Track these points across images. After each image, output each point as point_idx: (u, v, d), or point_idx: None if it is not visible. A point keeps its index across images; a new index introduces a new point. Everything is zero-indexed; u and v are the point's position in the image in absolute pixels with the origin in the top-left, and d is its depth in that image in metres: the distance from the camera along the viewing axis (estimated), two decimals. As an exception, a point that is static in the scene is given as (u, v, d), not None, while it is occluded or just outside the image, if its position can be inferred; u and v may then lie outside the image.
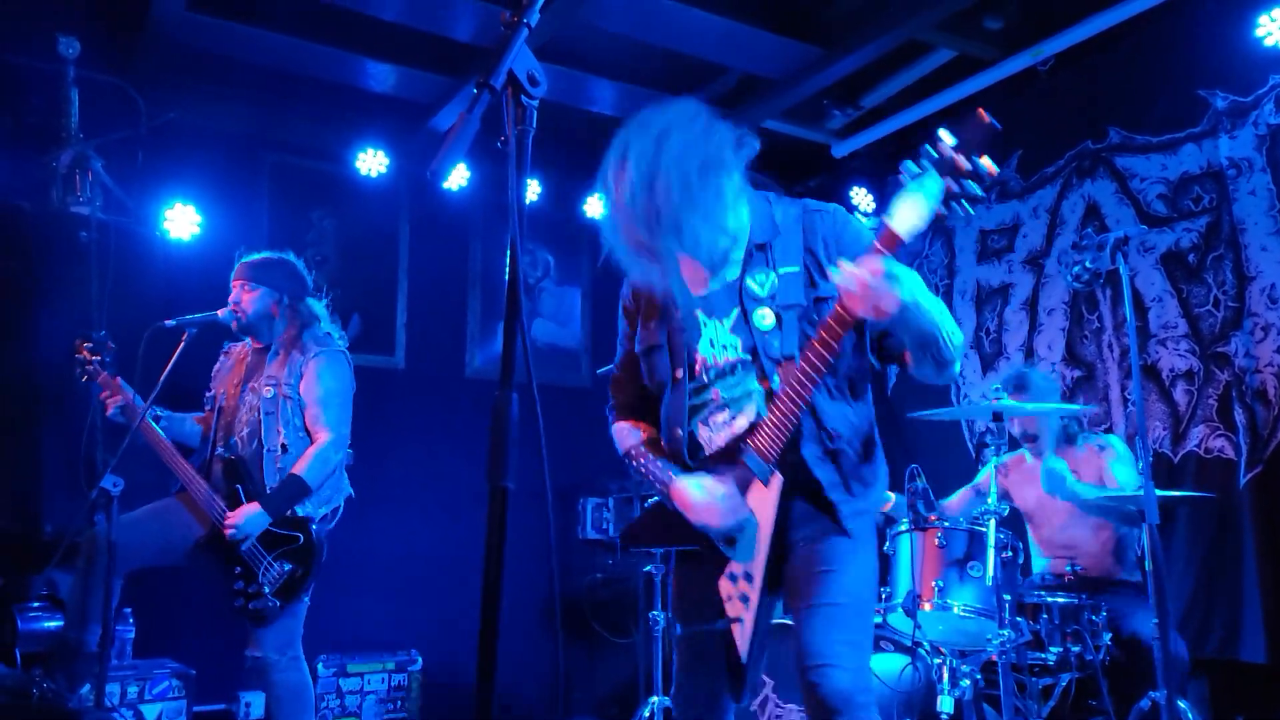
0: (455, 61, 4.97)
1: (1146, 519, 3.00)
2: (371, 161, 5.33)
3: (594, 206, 5.62)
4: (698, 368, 2.22)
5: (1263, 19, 4.03)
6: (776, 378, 2.09)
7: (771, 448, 2.06)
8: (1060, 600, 3.42)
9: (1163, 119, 4.50)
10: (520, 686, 5.40)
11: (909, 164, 1.84)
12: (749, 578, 2.13)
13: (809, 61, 4.89)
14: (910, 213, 1.81)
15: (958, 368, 2.14)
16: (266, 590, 3.40)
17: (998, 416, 3.27)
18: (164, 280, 4.72)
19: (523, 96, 1.55)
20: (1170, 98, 4.46)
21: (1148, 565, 3.03)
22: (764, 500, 2.11)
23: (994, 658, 3.20)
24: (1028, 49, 4.76)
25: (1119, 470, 3.81)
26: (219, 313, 3.65)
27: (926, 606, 3.23)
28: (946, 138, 1.80)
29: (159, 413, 3.65)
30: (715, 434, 2.22)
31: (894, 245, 1.83)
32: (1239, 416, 4.13)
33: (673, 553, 2.37)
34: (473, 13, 4.51)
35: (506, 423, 1.49)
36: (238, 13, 4.57)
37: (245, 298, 3.66)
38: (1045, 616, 3.42)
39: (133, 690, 4.12)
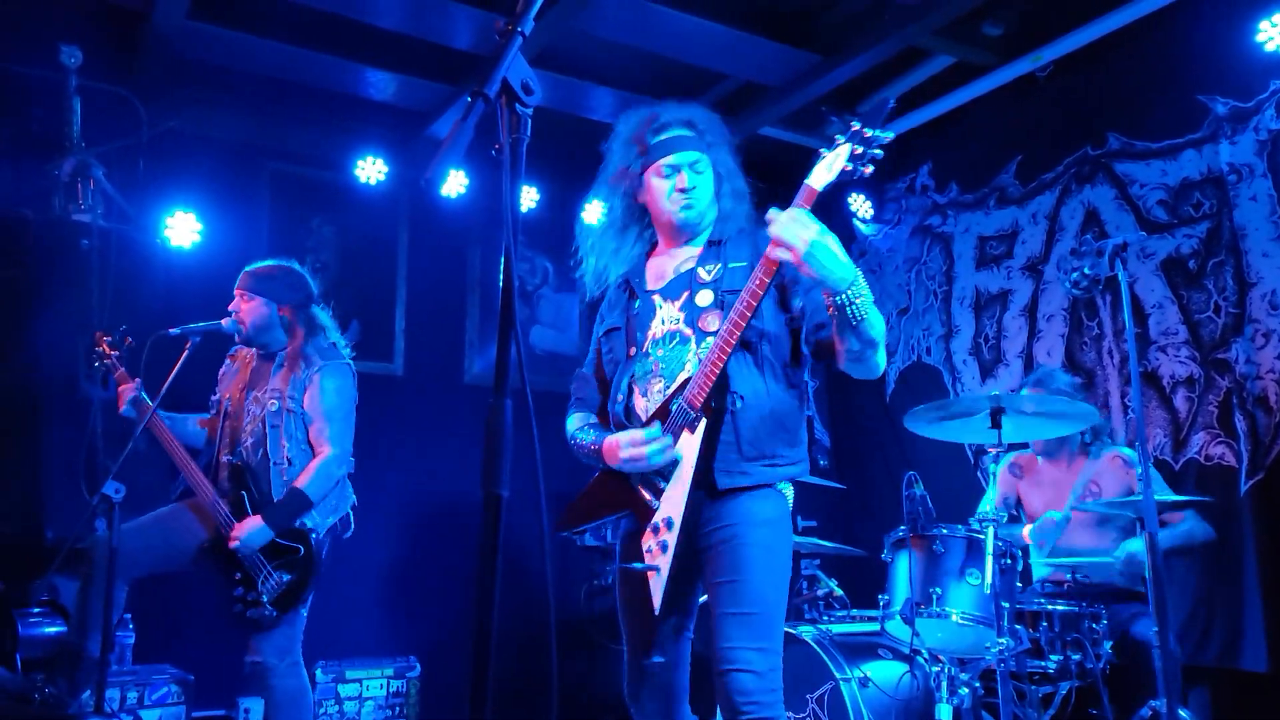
0: (454, 70, 4.99)
1: (1145, 527, 3.00)
2: (370, 169, 5.34)
3: (592, 212, 5.61)
4: (646, 343, 2.49)
5: (1263, 24, 4.03)
6: (708, 347, 2.32)
7: (699, 396, 2.27)
8: (1060, 608, 3.41)
9: (1163, 125, 4.50)
10: (516, 694, 5.38)
11: (824, 146, 2.23)
12: (669, 524, 2.29)
13: (807, 68, 4.90)
14: (824, 171, 2.20)
15: (881, 358, 2.30)
16: (264, 599, 3.41)
17: (996, 421, 3.26)
18: (165, 288, 4.73)
19: (517, 105, 1.55)
20: (1170, 103, 4.46)
21: (1147, 573, 3.02)
22: (689, 444, 2.30)
23: (993, 666, 3.19)
24: (1027, 55, 4.77)
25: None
26: (223, 322, 3.65)
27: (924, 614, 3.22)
28: (854, 117, 2.20)
29: (162, 415, 3.66)
30: (650, 401, 2.43)
31: (811, 197, 2.19)
32: (1240, 423, 4.12)
33: (615, 570, 2.52)
34: (471, 21, 4.52)
35: (501, 430, 1.49)
36: (238, 22, 4.60)
37: (244, 308, 3.66)
38: (1045, 624, 3.40)
39: (132, 695, 4.11)
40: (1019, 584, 3.43)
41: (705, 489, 2.31)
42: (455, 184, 5.51)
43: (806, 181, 2.21)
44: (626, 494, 2.43)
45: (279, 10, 4.54)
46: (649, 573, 2.31)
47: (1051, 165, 4.99)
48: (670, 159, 2.49)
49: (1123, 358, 4.57)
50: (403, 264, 5.70)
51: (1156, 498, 3.07)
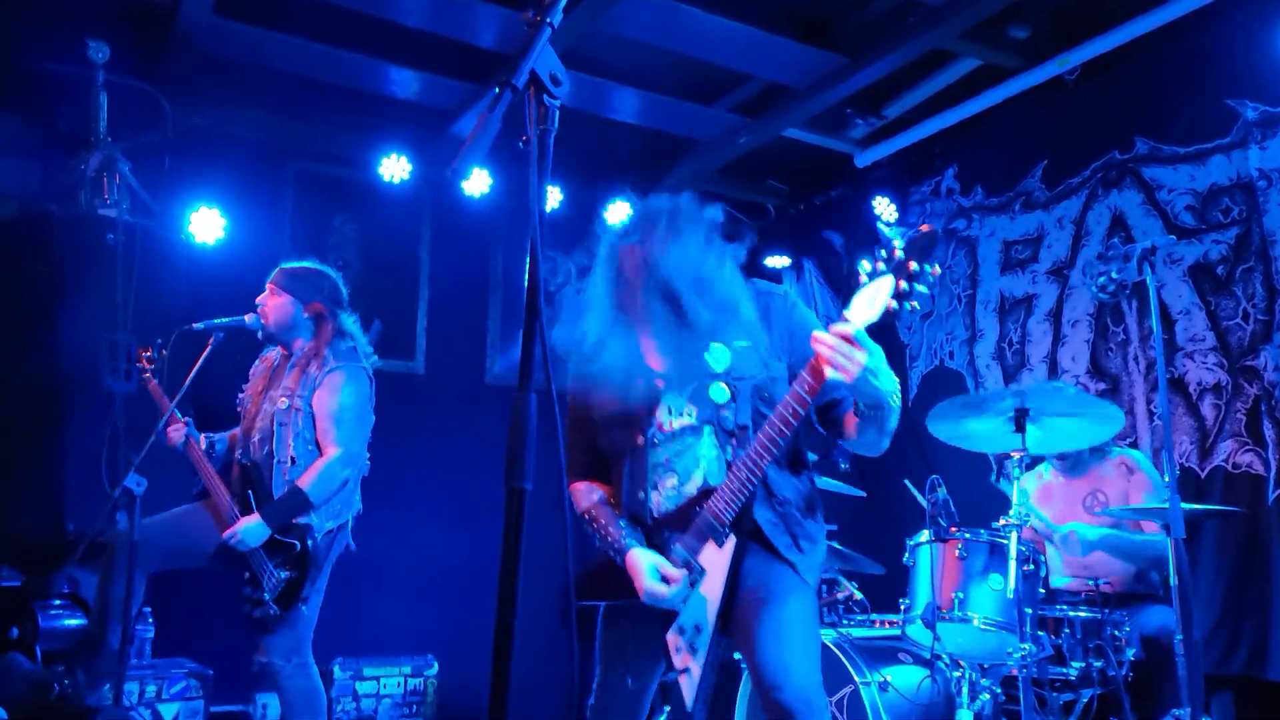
0: (479, 68, 4.99)
1: (1172, 534, 2.96)
2: (394, 167, 5.35)
3: (616, 213, 5.60)
4: (654, 434, 2.39)
5: (1293, 28, 3.98)
6: (729, 448, 2.30)
7: (726, 511, 2.23)
8: (1083, 614, 3.37)
9: (1191, 129, 4.45)
10: (536, 692, 5.35)
11: (864, 264, 2.07)
12: (699, 630, 2.28)
13: (832, 70, 4.87)
14: (865, 307, 2.04)
15: (888, 442, 2.34)
16: (268, 598, 3.41)
17: (1020, 425, 3.23)
18: (188, 283, 4.75)
19: (545, 96, 1.54)
20: (1198, 108, 4.40)
21: (1173, 581, 2.98)
22: (718, 559, 2.26)
23: (1014, 672, 3.15)
24: (1053, 58, 4.73)
25: (1150, 503, 3.70)
26: (246, 317, 3.66)
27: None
28: (898, 243, 2.04)
29: (212, 438, 3.71)
30: (665, 498, 2.37)
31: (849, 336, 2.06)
32: (1268, 431, 4.06)
33: (602, 607, 2.50)
34: (496, 19, 4.52)
35: (525, 425, 1.48)
36: (263, 19, 4.62)
37: (271, 303, 3.67)
38: (1067, 631, 3.36)
39: (150, 689, 4.14)
40: (1041, 590, 3.39)
41: (768, 568, 2.31)
42: (479, 183, 5.52)
43: (848, 314, 2.06)
44: None
45: (304, 8, 4.55)
46: (681, 676, 2.29)
47: (1078, 170, 4.94)
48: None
49: (1149, 364, 4.52)
50: (425, 263, 5.72)
51: (1184, 506, 3.03)
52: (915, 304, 2.03)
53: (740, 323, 2.37)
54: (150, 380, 3.73)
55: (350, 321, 3.77)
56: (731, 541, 2.24)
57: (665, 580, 2.27)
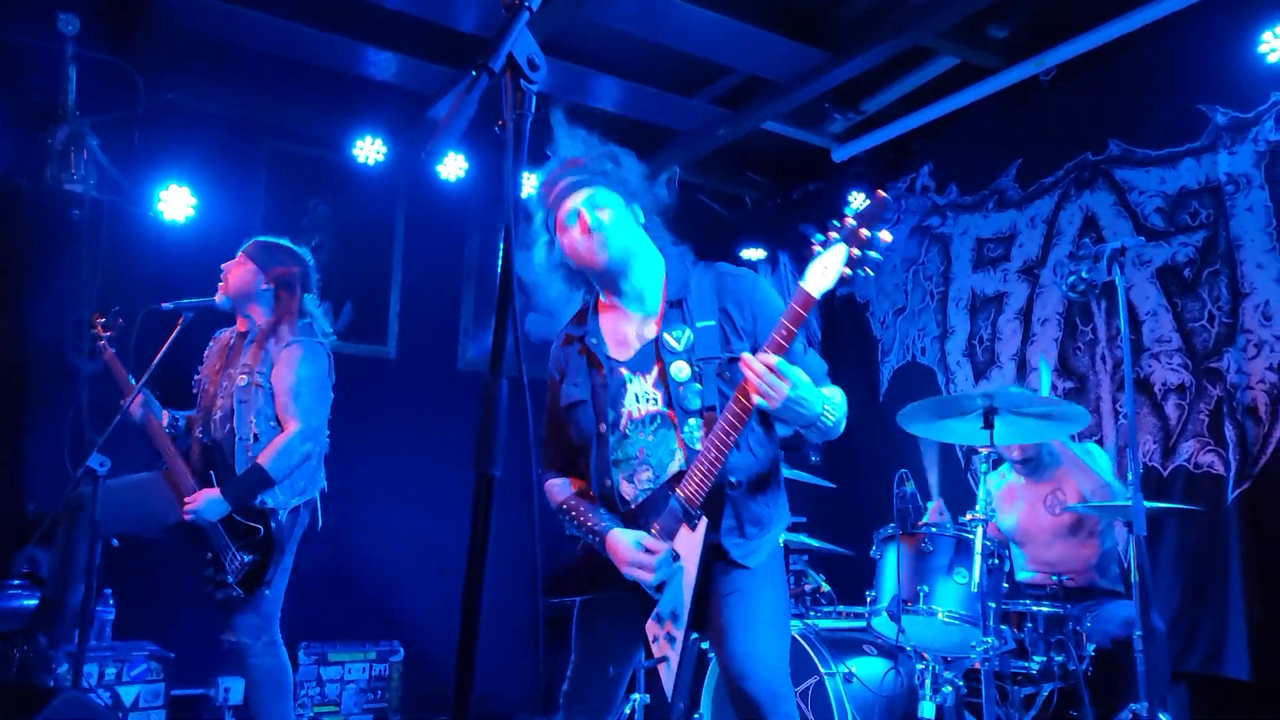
0: (457, 52, 4.95)
1: (1134, 531, 3.00)
2: (369, 150, 5.31)
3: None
4: (623, 423, 2.37)
5: (1265, 35, 4.03)
6: (695, 428, 2.30)
7: (697, 494, 2.24)
8: (1045, 609, 3.41)
9: (1163, 133, 4.50)
10: (501, 680, 5.36)
11: (818, 235, 2.14)
12: (675, 617, 2.28)
13: (813, 65, 4.88)
14: (820, 275, 2.11)
15: (842, 427, 2.34)
16: (230, 580, 3.39)
17: (989, 422, 3.26)
18: (157, 261, 4.70)
19: (522, 81, 1.52)
20: (1171, 112, 4.45)
21: (1133, 578, 3.02)
22: (690, 542, 2.27)
23: (977, 665, 3.19)
24: (1031, 59, 4.76)
25: (1098, 469, 3.78)
26: (216, 298, 3.62)
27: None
28: (850, 214, 2.12)
29: (176, 414, 3.67)
30: (640, 490, 2.37)
31: (808, 304, 2.12)
32: (1229, 432, 4.13)
33: (578, 601, 2.50)
34: (476, 3, 4.49)
35: (496, 410, 1.47)
36: (240, -5, 4.55)
37: (233, 271, 3.63)
38: (1030, 625, 3.41)
39: (110, 672, 4.09)
40: (1005, 585, 3.43)
41: (714, 565, 2.31)
42: (454, 168, 5.48)
43: (803, 285, 2.13)
44: (622, 577, 2.35)
45: (281, -15, 4.51)
46: (659, 665, 2.30)
47: (1051, 170, 4.99)
48: (566, 206, 2.36)
49: (1116, 363, 4.57)
50: (399, 247, 5.68)
51: (1146, 504, 3.07)
52: (869, 270, 2.09)
53: (700, 301, 2.37)
54: (107, 349, 3.65)
55: (313, 304, 3.73)
56: (703, 524, 2.25)
57: (649, 551, 2.27)
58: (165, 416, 3.62)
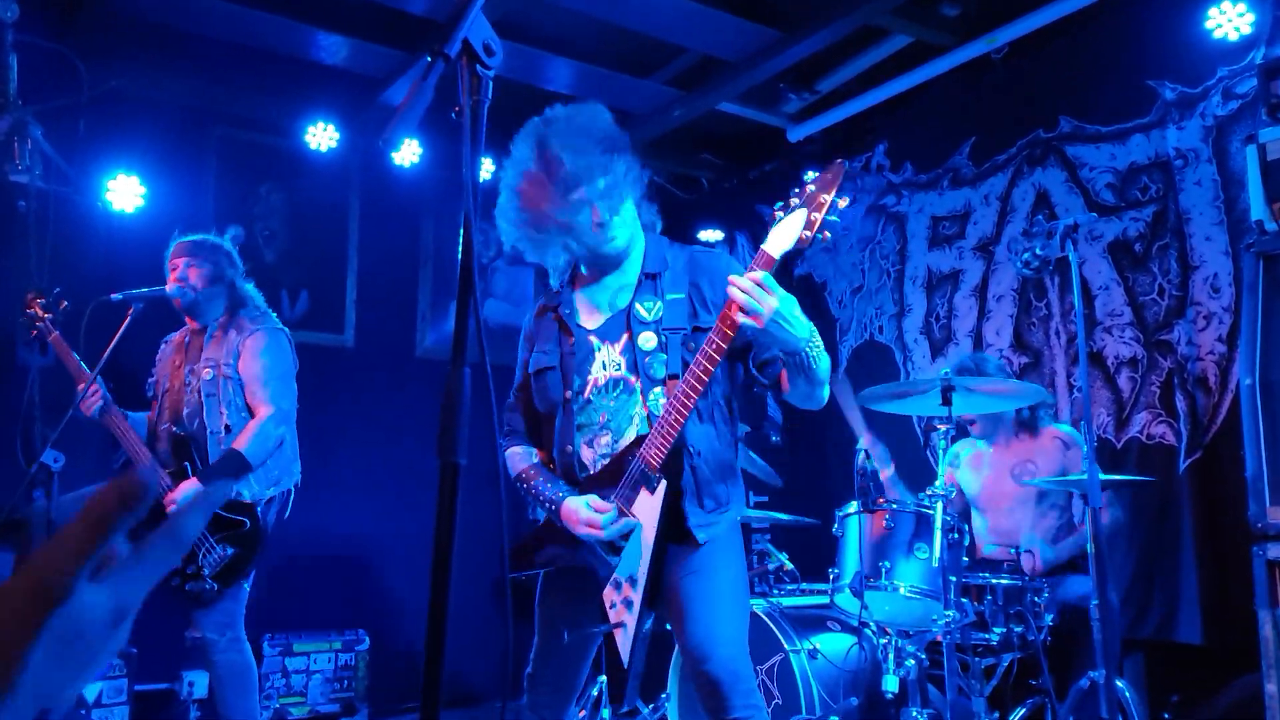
0: (409, 34, 4.89)
1: (1089, 503, 3.06)
2: (322, 136, 5.23)
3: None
4: (588, 388, 2.43)
5: (1212, 11, 4.09)
6: (659, 396, 2.33)
7: (657, 456, 2.26)
8: (1004, 582, 3.47)
9: (1113, 109, 4.56)
10: (469, 667, 5.38)
11: (779, 204, 2.20)
12: (633, 582, 2.32)
13: (766, 44, 4.88)
14: (781, 237, 2.16)
15: (826, 393, 2.37)
16: (205, 572, 3.35)
17: (947, 399, 3.30)
18: (106, 252, 4.61)
19: (478, 66, 1.51)
20: (1120, 88, 4.52)
21: (1089, 549, 3.08)
22: (650, 506, 2.30)
23: (939, 638, 3.24)
24: (983, 36, 4.80)
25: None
26: (167, 288, 3.58)
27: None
28: (808, 180, 2.18)
29: (130, 415, 3.62)
30: (599, 455, 2.41)
31: (769, 264, 2.15)
32: (1180, 403, 4.21)
33: (540, 575, 2.53)
34: (428, -15, 4.44)
35: (459, 398, 1.47)
36: (184, -22, 4.46)
37: (193, 274, 3.62)
38: (990, 598, 3.47)
39: (71, 671, 4.02)
40: (965, 559, 3.48)
41: (671, 542, 2.33)
42: (409, 153, 5.42)
43: (764, 248, 2.17)
44: (582, 546, 2.41)
45: (227, -31, 4.41)
46: (615, 629, 2.33)
47: (1005, 147, 5.04)
48: (573, 197, 2.33)
49: (1070, 338, 4.65)
50: (354, 234, 5.61)
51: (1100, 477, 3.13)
52: (827, 234, 2.14)
53: (674, 275, 2.43)
54: (51, 331, 3.56)
55: (252, 288, 3.78)
56: (663, 486, 2.28)
57: (598, 513, 2.32)
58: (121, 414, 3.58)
